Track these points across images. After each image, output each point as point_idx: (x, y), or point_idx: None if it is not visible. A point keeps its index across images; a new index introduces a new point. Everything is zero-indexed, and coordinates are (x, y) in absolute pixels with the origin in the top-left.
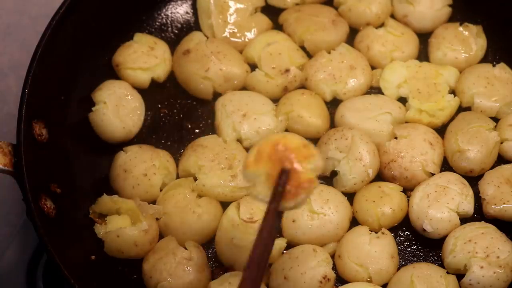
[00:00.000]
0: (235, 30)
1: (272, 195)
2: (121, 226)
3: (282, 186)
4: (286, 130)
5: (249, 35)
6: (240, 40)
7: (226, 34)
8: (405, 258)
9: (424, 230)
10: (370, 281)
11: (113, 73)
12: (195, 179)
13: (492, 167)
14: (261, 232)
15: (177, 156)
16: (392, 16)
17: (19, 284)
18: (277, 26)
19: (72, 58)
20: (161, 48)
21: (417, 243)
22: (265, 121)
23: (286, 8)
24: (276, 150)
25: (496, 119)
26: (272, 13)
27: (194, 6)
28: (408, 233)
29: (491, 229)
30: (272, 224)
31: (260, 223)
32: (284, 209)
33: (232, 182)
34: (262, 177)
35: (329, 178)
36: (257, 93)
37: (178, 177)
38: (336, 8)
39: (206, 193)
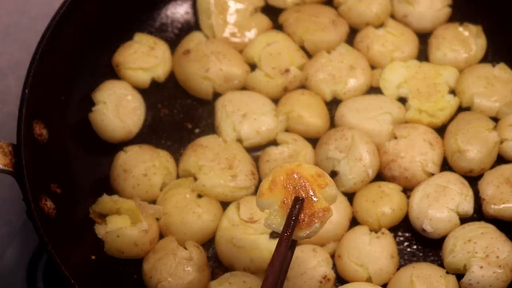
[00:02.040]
0: (235, 30)
1: (286, 223)
2: (121, 226)
3: (296, 215)
4: (286, 130)
5: (249, 35)
6: (240, 40)
7: (226, 34)
8: (405, 258)
9: (424, 230)
10: (370, 281)
11: (113, 73)
12: (195, 179)
13: (492, 167)
14: (273, 262)
15: (177, 156)
16: (392, 16)
17: (19, 284)
18: (277, 26)
19: (72, 58)
20: (161, 48)
21: (417, 243)
22: (265, 121)
23: (286, 8)
24: (291, 179)
25: (496, 119)
26: (272, 13)
27: (194, 6)
28: (408, 233)
29: (491, 229)
30: (285, 253)
31: (273, 252)
32: (298, 238)
33: (232, 182)
34: (276, 205)
35: None
36: (257, 93)
37: (178, 177)
38: (336, 8)
39: (206, 193)
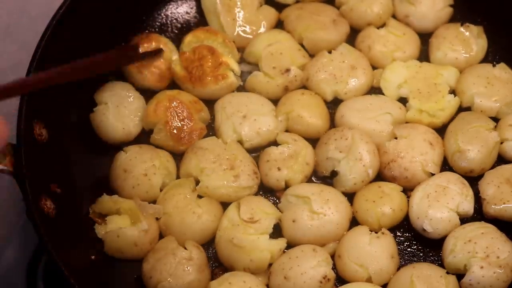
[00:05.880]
0: (246, 26)
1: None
2: (121, 226)
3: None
4: (286, 131)
5: (259, 29)
6: (252, 36)
7: (237, 31)
8: (405, 258)
9: (424, 230)
10: (370, 281)
11: (113, 73)
12: (197, 182)
13: (492, 167)
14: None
15: (177, 157)
16: (394, 16)
17: (19, 284)
18: (280, 22)
19: (72, 58)
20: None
21: (417, 243)
22: (265, 122)
23: (288, 4)
24: (172, 104)
25: (496, 119)
26: (276, 9)
27: (194, 6)
28: (408, 233)
29: (491, 229)
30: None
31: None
32: (179, 152)
33: (235, 182)
34: (160, 125)
35: (329, 178)
36: (256, 94)
37: (178, 177)
38: (338, 8)
39: (210, 195)
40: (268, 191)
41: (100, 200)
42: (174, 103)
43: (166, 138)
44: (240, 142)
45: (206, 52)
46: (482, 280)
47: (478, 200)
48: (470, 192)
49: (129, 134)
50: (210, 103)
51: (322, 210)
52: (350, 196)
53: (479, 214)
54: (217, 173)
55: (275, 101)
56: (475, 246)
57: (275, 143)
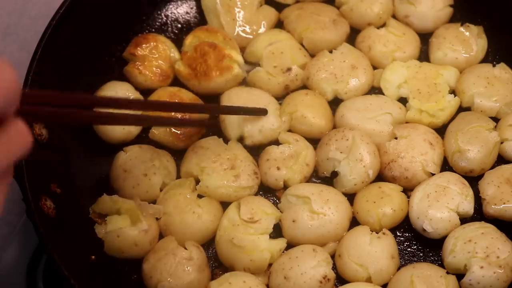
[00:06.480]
0: (246, 26)
1: None
2: (121, 226)
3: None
4: (290, 131)
5: (259, 29)
6: (251, 36)
7: (237, 31)
8: (405, 258)
9: (424, 230)
10: (370, 281)
11: (113, 73)
12: (197, 182)
13: (492, 167)
14: None
15: (177, 156)
16: (394, 16)
17: (19, 284)
18: (279, 23)
19: (72, 58)
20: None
21: (417, 243)
22: (268, 121)
23: (288, 4)
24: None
25: (496, 119)
26: (276, 9)
27: (194, 6)
28: (408, 233)
29: (491, 229)
30: None
31: None
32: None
33: (235, 182)
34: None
35: (329, 178)
36: (263, 91)
37: (178, 177)
38: (338, 8)
39: (210, 194)
40: (268, 191)
41: (100, 200)
42: (175, 100)
43: (165, 134)
44: (242, 138)
45: (208, 48)
46: (482, 280)
47: (478, 200)
48: (470, 192)
49: (129, 133)
50: (214, 100)
51: (322, 210)
52: (351, 197)
53: (479, 214)
54: (218, 173)
55: (276, 99)
56: (475, 246)
57: (276, 142)
